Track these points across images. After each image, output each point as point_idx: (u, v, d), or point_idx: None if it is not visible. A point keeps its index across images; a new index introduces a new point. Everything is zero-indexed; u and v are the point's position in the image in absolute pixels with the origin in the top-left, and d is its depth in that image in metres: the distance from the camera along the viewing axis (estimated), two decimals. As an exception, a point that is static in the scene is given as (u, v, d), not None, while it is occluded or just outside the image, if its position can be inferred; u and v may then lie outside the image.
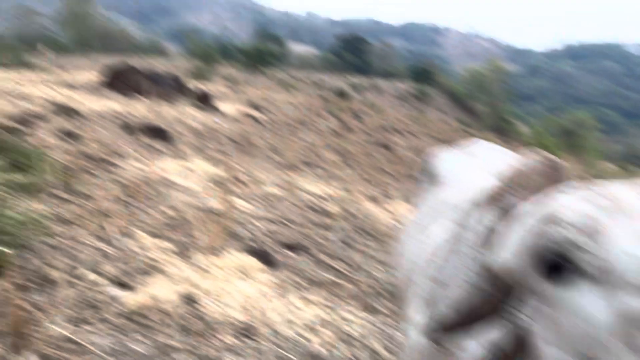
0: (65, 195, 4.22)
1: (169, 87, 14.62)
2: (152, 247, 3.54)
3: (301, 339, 2.69)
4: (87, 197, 4.39)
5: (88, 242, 3.41)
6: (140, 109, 10.55)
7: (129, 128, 8.17)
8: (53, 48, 39.26)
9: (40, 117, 7.49)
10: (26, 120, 6.98)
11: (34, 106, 8.64)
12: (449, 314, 0.87)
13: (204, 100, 13.29)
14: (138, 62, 26.03)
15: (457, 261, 0.88)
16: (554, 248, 0.73)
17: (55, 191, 4.22)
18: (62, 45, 52.93)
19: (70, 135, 6.77)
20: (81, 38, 58.00)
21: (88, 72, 19.91)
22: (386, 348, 2.80)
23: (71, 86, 13.30)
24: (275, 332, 2.73)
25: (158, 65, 29.88)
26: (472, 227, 0.88)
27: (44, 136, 6.21)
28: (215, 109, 12.71)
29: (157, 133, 8.16)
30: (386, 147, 12.53)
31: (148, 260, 3.33)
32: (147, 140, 7.69)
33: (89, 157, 5.91)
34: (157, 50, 59.10)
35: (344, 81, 44.88)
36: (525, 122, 54.21)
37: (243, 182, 6.17)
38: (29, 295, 2.58)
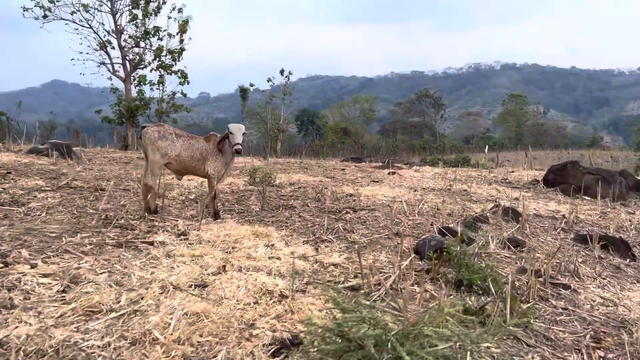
0: (524, 337, 3.29)
1: (619, 186, 12.41)
2: None
3: None
4: (550, 341, 3.35)
5: None
6: (589, 212, 9.07)
7: (581, 238, 6.85)
8: (489, 145, 41.84)
9: (484, 220, 7.13)
10: (471, 224, 6.69)
11: (478, 207, 8.48)
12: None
13: (671, 204, 10.52)
14: (575, 157, 24.20)
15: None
16: None
17: (510, 327, 3.35)
18: (496, 142, 56.40)
19: (515, 244, 6.03)
20: (515, 135, 60.47)
21: (523, 168, 19.66)
22: None
23: (509, 183, 13.04)
24: None
25: (597, 159, 27.14)
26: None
27: (491, 245, 5.62)
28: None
29: (618, 247, 6.50)
30: None
31: None
32: (605, 256, 6.18)
33: (539, 276, 4.93)
34: (593, 144, 55.32)
35: None
36: None
37: None
38: None
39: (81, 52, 29.48)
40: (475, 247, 5.40)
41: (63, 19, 28.89)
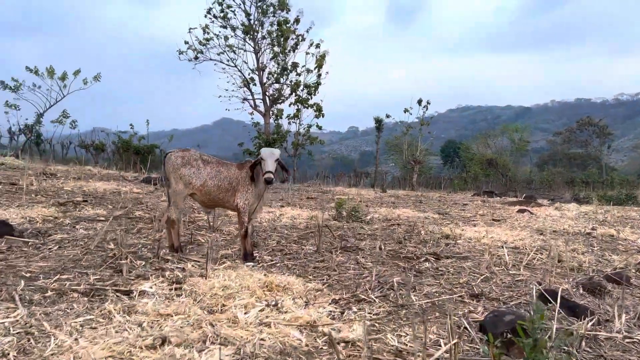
0: None
1: None
2: None
3: None
4: None
5: None
6: None
7: None
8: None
9: (621, 280, 5.12)
10: (597, 286, 4.79)
11: (622, 260, 6.34)
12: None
13: None
14: None
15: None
16: None
17: None
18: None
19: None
20: None
21: None
22: None
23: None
24: None
25: None
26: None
27: (616, 323, 3.81)
28: None
29: None
30: None
31: None
32: None
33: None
34: None
35: None
36: None
37: None
38: None
39: (227, 90, 31.57)
40: (583, 326, 3.65)
41: (212, 60, 31.28)
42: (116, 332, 2.93)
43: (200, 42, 30.50)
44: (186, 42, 30.58)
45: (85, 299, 3.47)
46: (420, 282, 4.74)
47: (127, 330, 2.96)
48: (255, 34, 31.52)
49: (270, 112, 32.04)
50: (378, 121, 38.27)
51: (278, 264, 5.04)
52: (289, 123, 32.58)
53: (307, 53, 31.71)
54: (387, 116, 39.20)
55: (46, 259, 4.37)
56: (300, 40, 31.94)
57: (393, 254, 5.95)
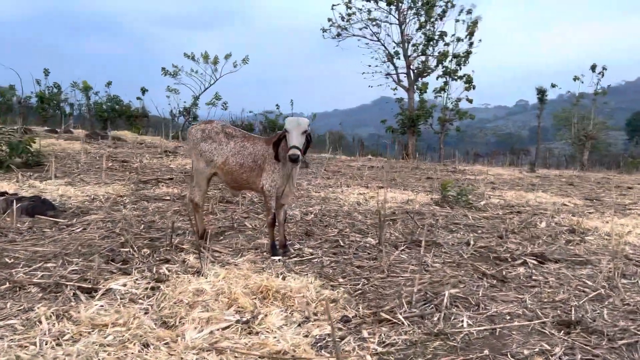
0: None
1: None
2: None
3: None
4: None
5: None
6: None
7: None
8: None
9: None
10: None
11: None
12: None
13: None
14: None
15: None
16: None
17: None
18: None
19: None
20: None
21: None
22: None
23: None
24: None
25: None
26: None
27: None
28: None
29: None
30: None
31: None
32: None
33: None
34: None
35: None
36: None
37: None
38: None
39: (370, 65, 30.62)
40: None
41: (355, 35, 30.59)
42: (18, 346, 2.37)
43: (342, 18, 29.98)
44: (329, 20, 30.30)
45: (40, 295, 3.02)
46: (493, 297, 3.44)
47: (34, 345, 2.39)
48: (400, 4, 29.91)
49: (414, 87, 30.38)
50: (541, 92, 34.17)
51: (315, 259, 4.13)
52: (435, 97, 30.56)
53: (457, 20, 29.23)
54: (553, 86, 34.71)
55: (54, 243, 4.11)
56: (448, 7, 29.53)
57: (482, 252, 4.62)
